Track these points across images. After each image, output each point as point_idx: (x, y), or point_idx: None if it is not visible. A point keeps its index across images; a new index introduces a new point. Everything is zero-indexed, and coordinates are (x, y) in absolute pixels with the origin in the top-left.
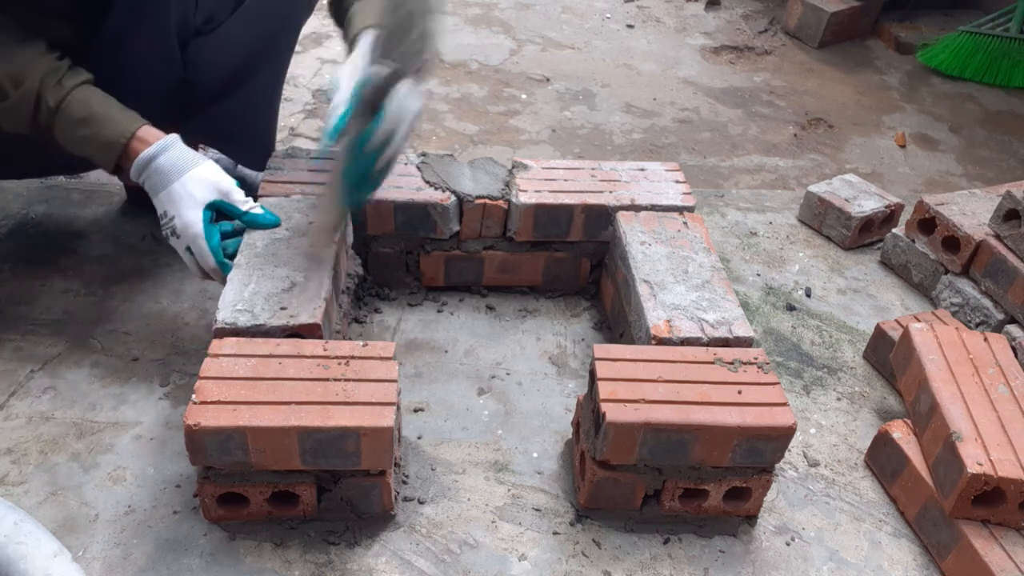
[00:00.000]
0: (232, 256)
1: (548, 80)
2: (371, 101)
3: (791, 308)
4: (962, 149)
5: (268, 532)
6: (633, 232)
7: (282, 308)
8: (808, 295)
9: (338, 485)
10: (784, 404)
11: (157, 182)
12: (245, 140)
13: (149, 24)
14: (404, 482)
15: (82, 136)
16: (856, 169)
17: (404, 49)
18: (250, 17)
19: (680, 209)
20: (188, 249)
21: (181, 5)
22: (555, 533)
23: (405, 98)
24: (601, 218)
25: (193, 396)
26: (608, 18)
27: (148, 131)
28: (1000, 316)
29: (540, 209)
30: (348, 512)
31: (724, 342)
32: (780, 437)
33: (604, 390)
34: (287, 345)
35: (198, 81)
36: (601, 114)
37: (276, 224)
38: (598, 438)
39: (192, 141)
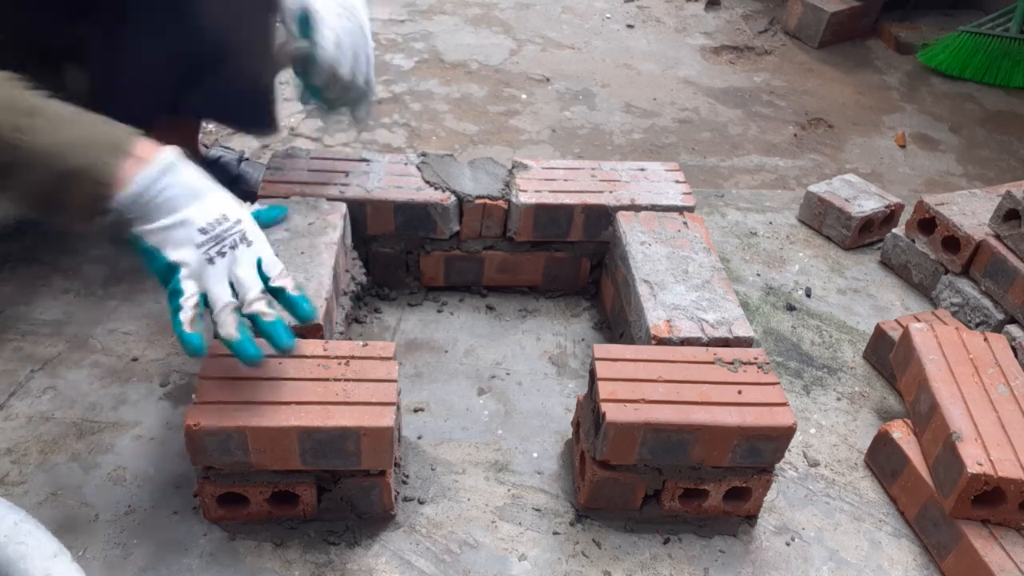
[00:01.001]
0: None
1: (548, 80)
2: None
3: (791, 308)
4: (962, 149)
5: (268, 532)
6: (633, 232)
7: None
8: (808, 295)
9: (338, 485)
10: (784, 404)
11: (194, 187)
12: (249, 104)
13: None
14: (404, 482)
15: (72, 138)
16: (856, 169)
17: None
18: None
19: (680, 209)
20: (256, 263)
21: None
22: (555, 533)
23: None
24: (601, 218)
25: (193, 396)
26: (608, 18)
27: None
28: (1000, 316)
29: (540, 209)
30: (348, 512)
31: (724, 342)
32: (780, 437)
33: (604, 390)
34: None
35: (193, 44)
36: (601, 114)
37: (283, 214)
38: (598, 438)
39: (189, 133)
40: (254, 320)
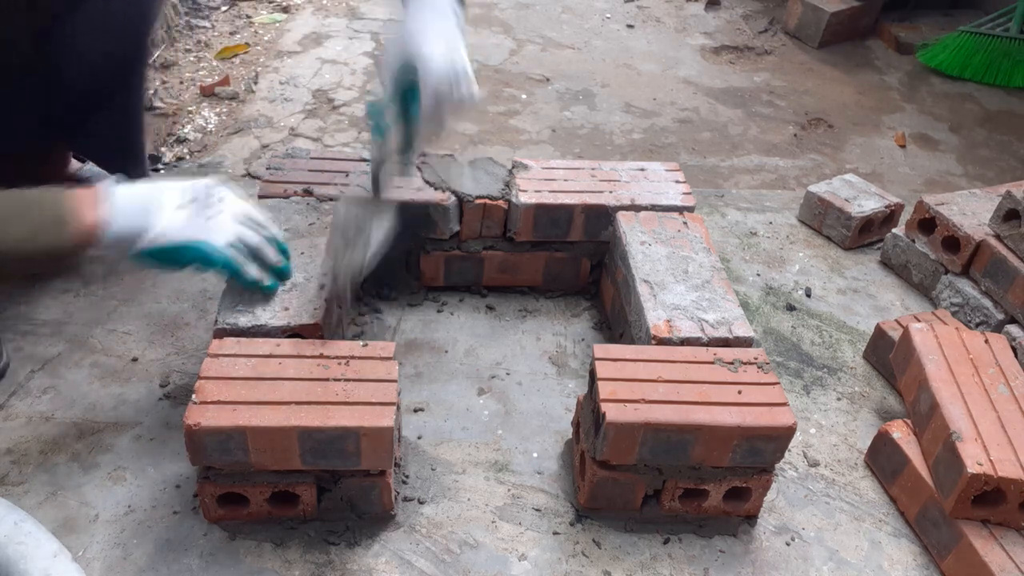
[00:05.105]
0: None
1: (548, 80)
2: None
3: (791, 308)
4: (962, 149)
5: (268, 532)
6: (633, 232)
7: (285, 309)
8: (808, 295)
9: (338, 485)
10: (784, 404)
11: (151, 189)
12: (120, 151)
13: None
14: (404, 482)
15: (24, 233)
16: (856, 169)
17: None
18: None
19: (680, 209)
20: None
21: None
22: (555, 533)
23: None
24: (601, 218)
25: (193, 396)
26: (608, 18)
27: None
28: (1000, 316)
29: (540, 209)
30: (348, 512)
31: (724, 342)
32: (780, 437)
33: (604, 390)
34: (287, 345)
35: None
36: (601, 114)
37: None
38: (598, 438)
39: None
40: (274, 241)
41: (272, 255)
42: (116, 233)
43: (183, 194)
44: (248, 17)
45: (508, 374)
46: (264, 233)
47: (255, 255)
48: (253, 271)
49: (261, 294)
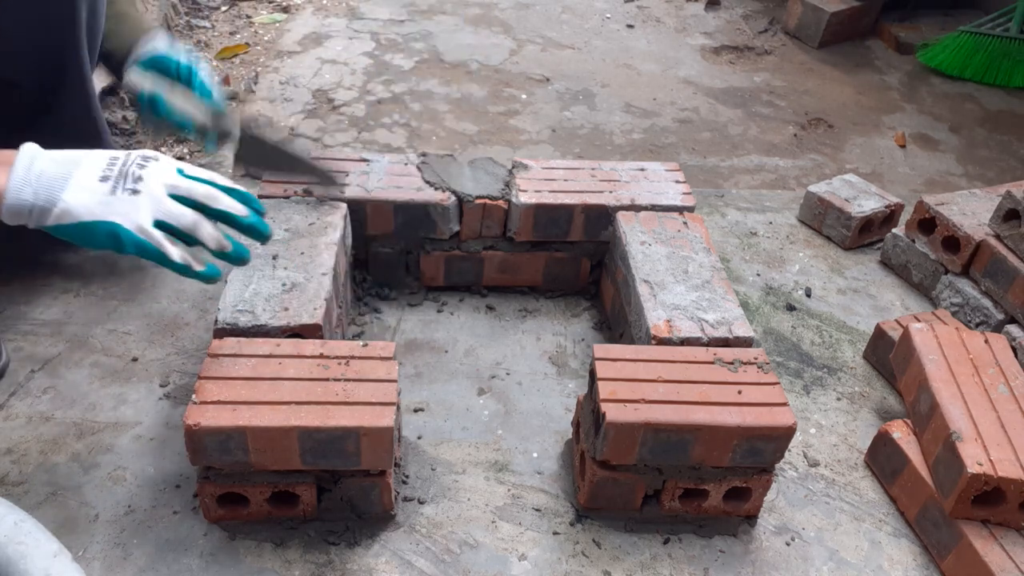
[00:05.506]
0: None
1: (548, 80)
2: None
3: (791, 308)
4: (962, 149)
5: (268, 532)
6: (633, 232)
7: (284, 309)
8: (808, 295)
9: (338, 485)
10: (784, 404)
11: (66, 157)
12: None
13: None
14: (404, 482)
15: None
16: (856, 169)
17: None
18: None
19: (680, 209)
20: (179, 172)
21: None
22: (555, 533)
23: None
24: (601, 218)
25: (193, 396)
26: (608, 18)
27: None
28: (1000, 316)
29: (540, 209)
30: (348, 512)
31: (724, 342)
32: (780, 437)
33: (604, 390)
34: (287, 345)
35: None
36: (601, 114)
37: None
38: (598, 438)
39: None
40: (229, 217)
41: (211, 236)
42: (14, 204)
43: (108, 165)
44: (248, 17)
45: (508, 374)
46: (214, 207)
47: (194, 237)
48: (177, 256)
49: (262, 296)
